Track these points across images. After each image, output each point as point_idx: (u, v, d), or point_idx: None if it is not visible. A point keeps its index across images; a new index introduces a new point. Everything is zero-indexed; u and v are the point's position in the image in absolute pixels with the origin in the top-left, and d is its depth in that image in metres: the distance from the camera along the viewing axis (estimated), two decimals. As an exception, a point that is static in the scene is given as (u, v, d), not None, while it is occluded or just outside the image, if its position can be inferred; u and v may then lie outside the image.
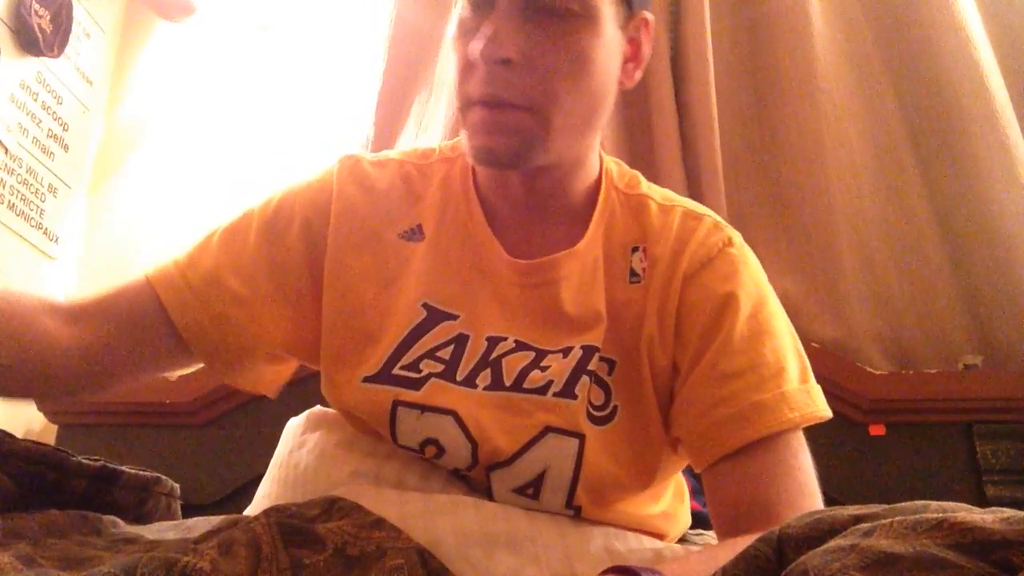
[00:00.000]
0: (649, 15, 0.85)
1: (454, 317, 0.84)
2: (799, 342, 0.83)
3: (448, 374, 0.82)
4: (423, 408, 0.80)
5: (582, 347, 0.82)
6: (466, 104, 0.79)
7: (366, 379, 0.83)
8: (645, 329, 0.82)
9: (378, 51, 2.05)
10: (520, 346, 0.83)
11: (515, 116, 0.76)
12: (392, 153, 0.96)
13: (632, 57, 0.84)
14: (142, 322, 0.84)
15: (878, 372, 1.62)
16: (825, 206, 1.81)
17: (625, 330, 0.83)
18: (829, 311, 1.74)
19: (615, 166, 0.93)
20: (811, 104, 1.86)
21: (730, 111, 1.92)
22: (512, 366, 0.82)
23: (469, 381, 0.82)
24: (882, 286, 1.78)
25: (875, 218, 1.82)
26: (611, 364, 0.83)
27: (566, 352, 0.82)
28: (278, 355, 0.93)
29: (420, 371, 0.82)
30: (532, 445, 0.79)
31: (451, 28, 0.81)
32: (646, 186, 0.92)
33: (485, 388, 0.81)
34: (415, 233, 0.88)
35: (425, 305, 0.85)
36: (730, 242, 0.86)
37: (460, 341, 0.83)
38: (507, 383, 0.81)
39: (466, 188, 0.90)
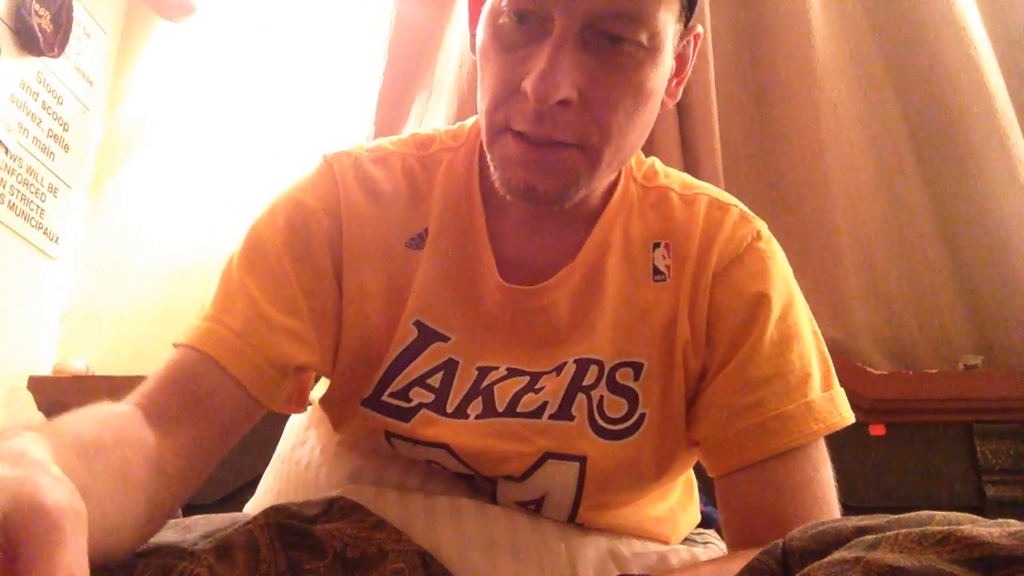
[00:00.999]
0: (700, 28, 0.78)
1: (445, 339, 0.79)
2: (822, 340, 0.81)
3: (438, 405, 0.78)
4: (415, 441, 0.78)
5: (575, 361, 0.78)
6: (500, 130, 0.71)
7: (362, 402, 0.80)
8: (679, 332, 0.78)
9: (378, 51, 2.05)
10: (512, 372, 0.79)
11: (564, 155, 0.69)
12: (389, 144, 0.86)
13: (677, 72, 0.78)
14: (216, 399, 0.70)
15: (878, 372, 1.62)
16: (825, 206, 1.81)
17: (655, 331, 0.79)
18: (829, 311, 1.74)
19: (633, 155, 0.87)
20: (811, 104, 1.85)
21: (730, 111, 1.92)
22: (504, 392, 0.78)
23: (460, 412, 0.78)
24: (882, 286, 1.78)
25: (875, 218, 1.82)
26: (637, 368, 0.78)
27: (559, 369, 0.78)
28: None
29: (410, 400, 0.79)
30: (534, 471, 0.77)
31: (481, 33, 0.72)
32: (664, 175, 0.86)
33: (477, 417, 0.77)
34: (420, 239, 0.82)
35: (417, 323, 0.79)
36: (759, 236, 0.81)
37: (449, 368, 0.79)
38: (499, 409, 0.78)
39: (470, 186, 0.83)
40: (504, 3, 0.68)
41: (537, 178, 0.70)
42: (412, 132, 0.89)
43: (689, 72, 0.80)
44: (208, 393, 0.70)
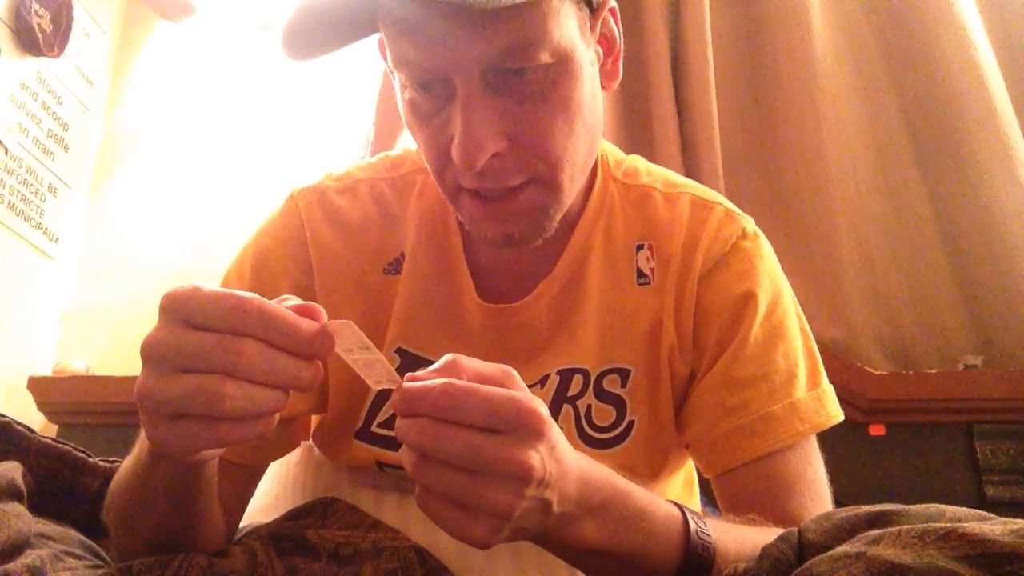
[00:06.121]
0: (612, 1, 0.74)
1: (429, 363, 0.78)
2: (811, 337, 0.81)
3: None
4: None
5: (559, 372, 0.78)
6: (455, 191, 0.70)
7: (355, 435, 0.80)
8: (664, 337, 0.77)
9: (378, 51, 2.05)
10: None
11: (522, 196, 0.68)
12: (358, 170, 0.86)
13: (608, 52, 0.74)
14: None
15: (878, 372, 1.62)
16: (825, 206, 1.81)
17: (640, 336, 0.78)
18: (829, 311, 1.74)
19: (611, 151, 0.85)
20: (811, 104, 1.86)
21: (730, 111, 1.92)
22: None
23: None
24: (882, 286, 1.78)
25: (875, 218, 1.82)
26: (624, 374, 0.78)
27: (543, 382, 0.78)
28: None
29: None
30: None
31: (400, 107, 0.71)
32: (646, 173, 0.84)
33: None
34: (397, 264, 0.81)
35: (399, 350, 0.79)
36: (744, 234, 0.80)
37: None
38: None
39: (444, 206, 0.81)
40: (405, 79, 0.67)
41: (509, 226, 0.69)
42: (382, 154, 0.88)
43: (622, 43, 0.75)
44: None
